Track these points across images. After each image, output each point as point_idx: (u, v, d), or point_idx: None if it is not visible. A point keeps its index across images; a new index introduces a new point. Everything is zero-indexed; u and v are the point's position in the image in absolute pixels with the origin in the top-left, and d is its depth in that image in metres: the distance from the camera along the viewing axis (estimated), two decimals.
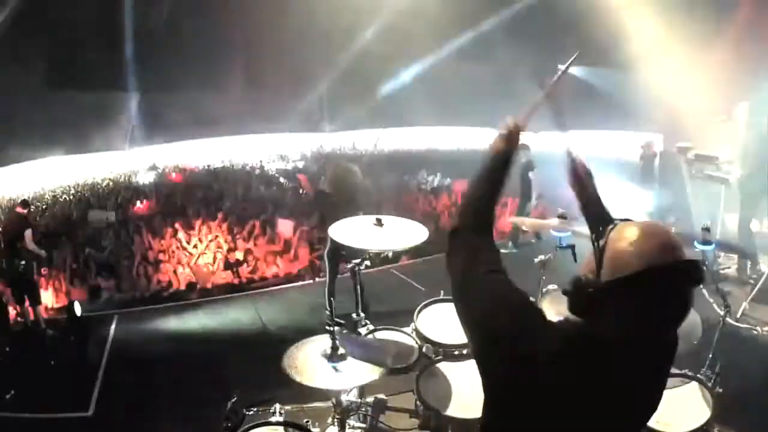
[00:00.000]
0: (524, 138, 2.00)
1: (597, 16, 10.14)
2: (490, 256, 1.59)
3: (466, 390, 2.98)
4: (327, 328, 2.81)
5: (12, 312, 6.96)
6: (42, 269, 7.53)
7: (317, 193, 6.06)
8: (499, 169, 1.86)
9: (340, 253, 5.87)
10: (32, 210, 7.66)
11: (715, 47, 8.87)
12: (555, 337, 1.37)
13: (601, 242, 1.38)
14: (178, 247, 9.68)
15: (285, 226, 10.14)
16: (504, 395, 1.40)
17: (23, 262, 6.66)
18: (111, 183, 16.38)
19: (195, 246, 9.74)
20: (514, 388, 1.36)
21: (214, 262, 9.31)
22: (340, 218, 3.51)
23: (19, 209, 6.92)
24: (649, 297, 1.29)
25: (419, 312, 3.60)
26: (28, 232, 6.69)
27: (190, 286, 8.70)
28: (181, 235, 10.06)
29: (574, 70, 16.46)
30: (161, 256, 9.40)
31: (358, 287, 3.76)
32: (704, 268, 1.46)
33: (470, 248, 1.63)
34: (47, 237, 9.95)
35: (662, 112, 10.46)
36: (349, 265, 3.68)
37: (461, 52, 14.80)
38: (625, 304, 1.30)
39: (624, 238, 1.35)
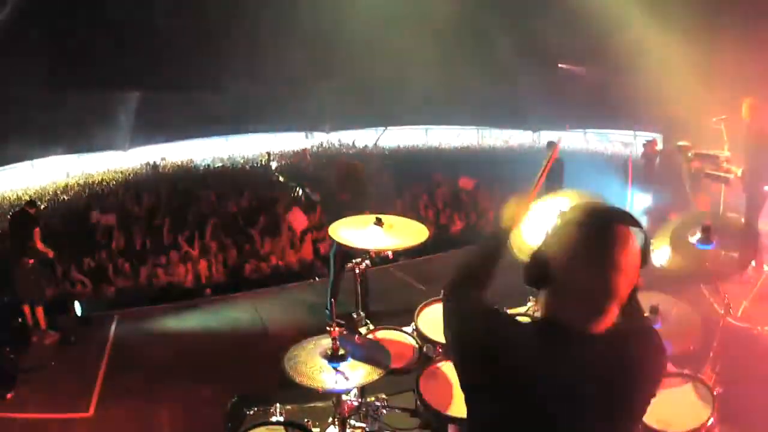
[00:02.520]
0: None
1: (597, 14, 10.14)
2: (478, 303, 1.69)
3: None
4: (327, 328, 2.80)
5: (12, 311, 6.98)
6: (46, 268, 7.54)
7: (324, 196, 6.05)
8: (496, 245, 1.93)
9: (346, 254, 5.86)
10: (39, 209, 7.71)
11: (715, 46, 8.87)
12: (525, 331, 1.55)
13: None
14: (178, 247, 9.68)
15: (298, 218, 10.00)
16: (485, 393, 1.48)
17: (31, 261, 6.69)
18: (110, 182, 16.39)
19: (196, 245, 9.75)
20: (494, 386, 1.45)
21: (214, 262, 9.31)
22: (348, 215, 3.52)
23: (26, 208, 6.98)
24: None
25: (419, 312, 3.59)
26: (37, 231, 6.74)
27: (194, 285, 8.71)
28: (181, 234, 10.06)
29: (575, 70, 16.47)
30: (161, 256, 9.40)
31: (359, 287, 3.76)
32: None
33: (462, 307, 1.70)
34: (49, 236, 9.98)
35: (662, 112, 10.47)
36: (350, 265, 3.68)
37: (461, 51, 14.79)
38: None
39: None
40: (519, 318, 1.71)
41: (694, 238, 3.20)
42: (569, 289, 1.41)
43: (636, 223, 1.42)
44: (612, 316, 1.40)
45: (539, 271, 1.48)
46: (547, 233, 1.51)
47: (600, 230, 1.38)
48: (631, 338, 1.46)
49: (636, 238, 1.39)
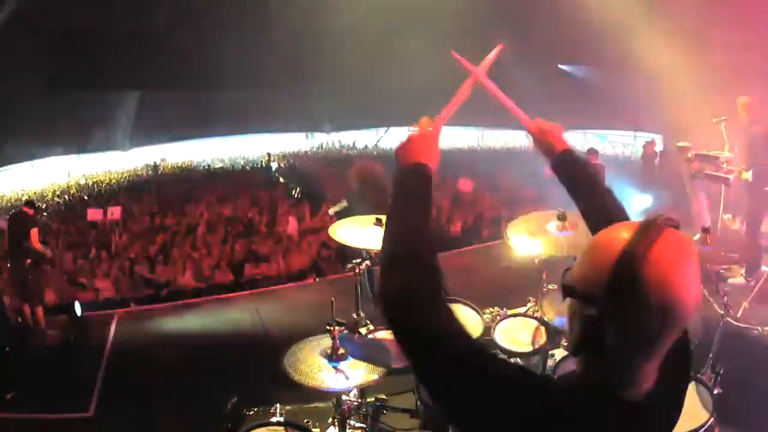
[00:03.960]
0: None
1: (597, 14, 10.14)
2: (464, 342, 1.10)
3: None
4: (327, 327, 2.79)
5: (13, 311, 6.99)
6: (45, 269, 7.55)
7: (350, 201, 6.07)
8: (420, 187, 1.35)
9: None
10: (37, 209, 7.70)
11: (715, 46, 8.87)
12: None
13: None
14: (179, 247, 9.68)
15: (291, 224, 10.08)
16: None
17: (28, 261, 6.69)
18: (111, 182, 16.40)
19: (196, 246, 9.74)
20: None
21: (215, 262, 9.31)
22: (370, 212, 3.53)
23: (24, 209, 6.97)
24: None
25: None
26: (35, 231, 6.74)
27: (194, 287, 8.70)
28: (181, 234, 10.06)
29: (575, 70, 16.44)
30: (161, 256, 9.40)
31: (359, 287, 3.75)
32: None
33: (433, 338, 1.10)
34: (49, 236, 9.98)
35: (662, 112, 10.47)
36: (349, 265, 3.67)
37: (461, 51, 14.77)
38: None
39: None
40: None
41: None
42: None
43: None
44: None
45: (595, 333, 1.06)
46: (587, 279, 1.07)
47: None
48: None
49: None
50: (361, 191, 5.91)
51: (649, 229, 1.04)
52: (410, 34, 13.00)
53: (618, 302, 1.02)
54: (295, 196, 12.92)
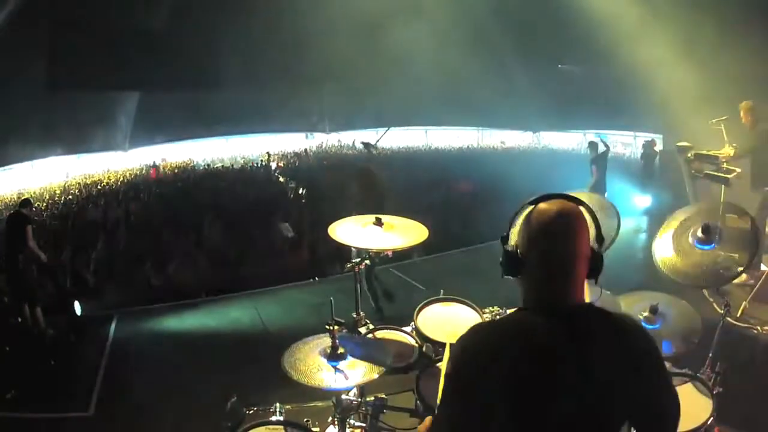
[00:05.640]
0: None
1: (598, 15, 10.15)
2: None
3: None
4: (327, 327, 2.79)
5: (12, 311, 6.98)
6: (42, 269, 7.53)
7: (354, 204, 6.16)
8: None
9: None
10: (33, 209, 7.67)
11: (716, 46, 8.87)
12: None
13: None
14: (178, 247, 9.68)
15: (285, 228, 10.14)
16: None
17: (22, 258, 6.68)
18: (110, 182, 16.39)
19: (196, 245, 9.75)
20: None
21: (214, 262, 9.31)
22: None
23: (20, 209, 6.96)
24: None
25: (419, 311, 3.59)
26: (29, 229, 6.72)
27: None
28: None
29: (575, 70, 16.39)
30: (161, 255, 9.40)
31: (359, 286, 3.75)
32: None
33: None
34: (48, 236, 9.98)
35: (662, 112, 10.47)
36: (349, 265, 3.66)
37: (462, 51, 14.79)
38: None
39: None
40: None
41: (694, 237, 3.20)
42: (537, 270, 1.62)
43: (576, 201, 1.63)
44: (578, 286, 1.60)
45: (513, 262, 1.69)
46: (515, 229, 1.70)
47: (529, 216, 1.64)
48: (611, 316, 1.61)
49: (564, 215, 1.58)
50: (362, 193, 6.01)
51: (541, 198, 1.65)
52: (411, 34, 13.00)
53: (522, 230, 1.65)
54: (296, 193, 12.94)
